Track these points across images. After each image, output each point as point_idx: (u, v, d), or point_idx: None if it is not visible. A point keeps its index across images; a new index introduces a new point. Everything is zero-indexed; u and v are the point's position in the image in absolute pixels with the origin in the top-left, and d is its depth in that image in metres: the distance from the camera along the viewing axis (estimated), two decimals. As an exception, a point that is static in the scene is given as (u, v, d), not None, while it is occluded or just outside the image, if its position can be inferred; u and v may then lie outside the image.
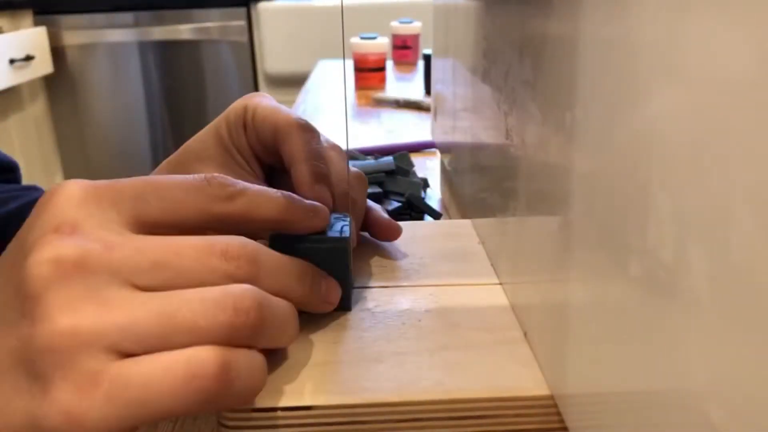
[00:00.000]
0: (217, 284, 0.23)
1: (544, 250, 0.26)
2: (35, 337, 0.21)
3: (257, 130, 0.36)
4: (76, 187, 0.24)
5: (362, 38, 1.21)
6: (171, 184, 0.25)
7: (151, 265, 0.23)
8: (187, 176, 0.26)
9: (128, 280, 0.22)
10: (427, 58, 1.09)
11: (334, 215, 0.32)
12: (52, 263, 0.21)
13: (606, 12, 0.19)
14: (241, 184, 0.27)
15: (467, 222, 0.43)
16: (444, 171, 0.62)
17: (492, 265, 0.36)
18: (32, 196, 0.43)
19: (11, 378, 0.21)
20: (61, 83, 2.19)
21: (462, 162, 0.48)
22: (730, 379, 0.13)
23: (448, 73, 0.53)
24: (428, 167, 0.73)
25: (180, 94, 2.25)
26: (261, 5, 2.14)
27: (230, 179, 0.26)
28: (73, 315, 0.21)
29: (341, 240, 0.30)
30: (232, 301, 0.22)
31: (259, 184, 0.30)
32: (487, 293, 0.33)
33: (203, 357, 0.21)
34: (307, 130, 0.35)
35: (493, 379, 0.26)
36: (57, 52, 2.13)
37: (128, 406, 0.21)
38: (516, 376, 0.26)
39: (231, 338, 0.22)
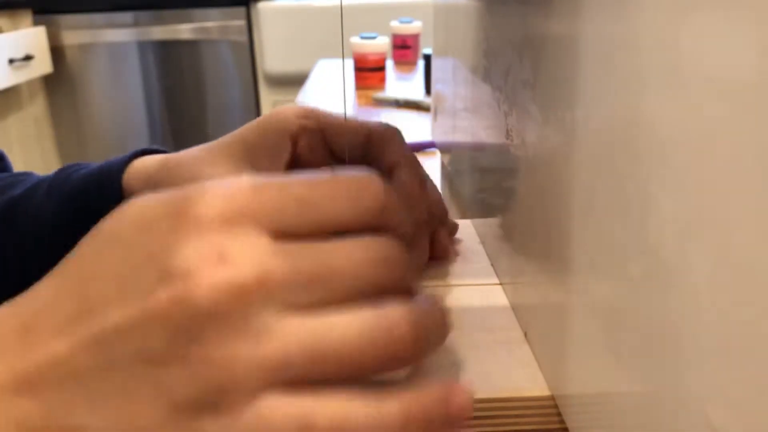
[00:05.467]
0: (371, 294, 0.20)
1: (544, 250, 0.26)
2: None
3: (336, 137, 0.36)
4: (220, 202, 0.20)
5: (362, 38, 1.21)
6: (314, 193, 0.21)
7: (306, 284, 0.19)
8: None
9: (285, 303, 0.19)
10: (427, 58, 1.09)
11: None
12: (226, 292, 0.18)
13: (606, 12, 0.19)
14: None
15: (467, 222, 0.43)
16: (444, 171, 0.62)
17: (492, 265, 0.36)
18: (32, 180, 0.43)
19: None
20: (60, 83, 2.18)
21: (462, 162, 0.48)
22: (729, 379, 0.13)
23: (448, 72, 0.53)
24: (428, 167, 0.73)
25: (179, 94, 2.24)
26: (261, 5, 2.14)
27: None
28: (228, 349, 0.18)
29: None
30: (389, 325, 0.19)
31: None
32: (487, 293, 0.33)
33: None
34: (401, 134, 0.36)
35: (493, 379, 0.26)
36: (56, 52, 2.13)
37: None
38: (516, 376, 0.26)
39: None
